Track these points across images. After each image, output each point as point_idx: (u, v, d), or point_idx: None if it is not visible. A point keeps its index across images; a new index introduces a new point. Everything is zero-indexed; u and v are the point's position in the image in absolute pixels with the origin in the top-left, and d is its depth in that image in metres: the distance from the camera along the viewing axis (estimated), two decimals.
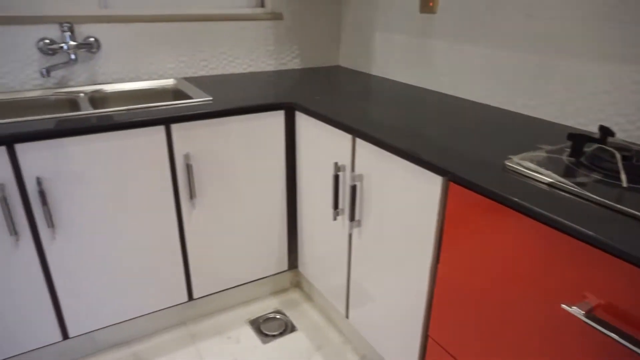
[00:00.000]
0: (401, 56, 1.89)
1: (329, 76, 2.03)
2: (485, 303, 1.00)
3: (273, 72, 2.10)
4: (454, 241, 1.05)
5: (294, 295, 1.92)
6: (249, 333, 1.70)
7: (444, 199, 1.06)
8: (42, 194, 1.27)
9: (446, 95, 1.69)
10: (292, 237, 1.81)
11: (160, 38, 1.84)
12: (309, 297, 1.90)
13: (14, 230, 1.27)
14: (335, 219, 1.46)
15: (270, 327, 1.73)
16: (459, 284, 1.06)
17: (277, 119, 1.58)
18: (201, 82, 1.84)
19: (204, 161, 1.50)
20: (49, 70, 1.58)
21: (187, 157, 1.46)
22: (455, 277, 1.07)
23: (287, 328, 1.73)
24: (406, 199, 1.17)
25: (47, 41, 1.62)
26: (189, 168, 1.47)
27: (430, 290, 1.17)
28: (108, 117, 1.35)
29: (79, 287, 1.44)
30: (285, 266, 1.84)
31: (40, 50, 1.63)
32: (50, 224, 1.31)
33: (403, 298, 1.26)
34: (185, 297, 1.66)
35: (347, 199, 1.40)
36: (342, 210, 1.44)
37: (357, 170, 1.33)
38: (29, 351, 1.45)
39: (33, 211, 1.29)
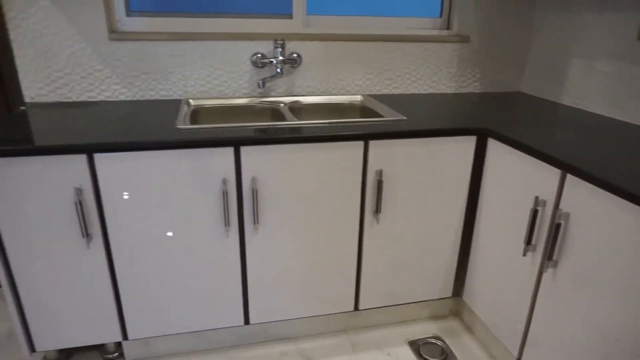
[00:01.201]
0: (605, 86, 1.74)
1: (513, 103, 1.95)
2: None
3: (452, 94, 2.09)
4: None
5: (453, 323, 1.86)
6: (409, 354, 1.69)
7: None
8: (255, 193, 1.42)
9: None
10: (462, 265, 1.76)
11: (352, 56, 1.95)
12: (469, 328, 1.83)
13: (227, 222, 1.43)
14: (525, 254, 1.39)
15: (430, 352, 1.70)
16: None
17: (468, 143, 1.56)
18: (385, 100, 1.90)
19: (390, 178, 1.54)
20: (264, 82, 1.77)
21: (378, 173, 1.51)
22: None
23: (447, 357, 1.68)
24: (630, 249, 1.06)
25: (260, 55, 1.82)
26: (379, 184, 1.52)
27: None
28: (315, 128, 1.46)
29: (264, 281, 1.57)
30: (449, 292, 1.80)
31: (253, 63, 1.83)
32: (256, 220, 1.46)
33: (608, 356, 1.14)
34: (351, 306, 1.71)
35: (544, 236, 1.31)
36: (534, 246, 1.36)
37: (563, 208, 1.25)
38: (215, 329, 1.63)
39: (244, 207, 1.44)
